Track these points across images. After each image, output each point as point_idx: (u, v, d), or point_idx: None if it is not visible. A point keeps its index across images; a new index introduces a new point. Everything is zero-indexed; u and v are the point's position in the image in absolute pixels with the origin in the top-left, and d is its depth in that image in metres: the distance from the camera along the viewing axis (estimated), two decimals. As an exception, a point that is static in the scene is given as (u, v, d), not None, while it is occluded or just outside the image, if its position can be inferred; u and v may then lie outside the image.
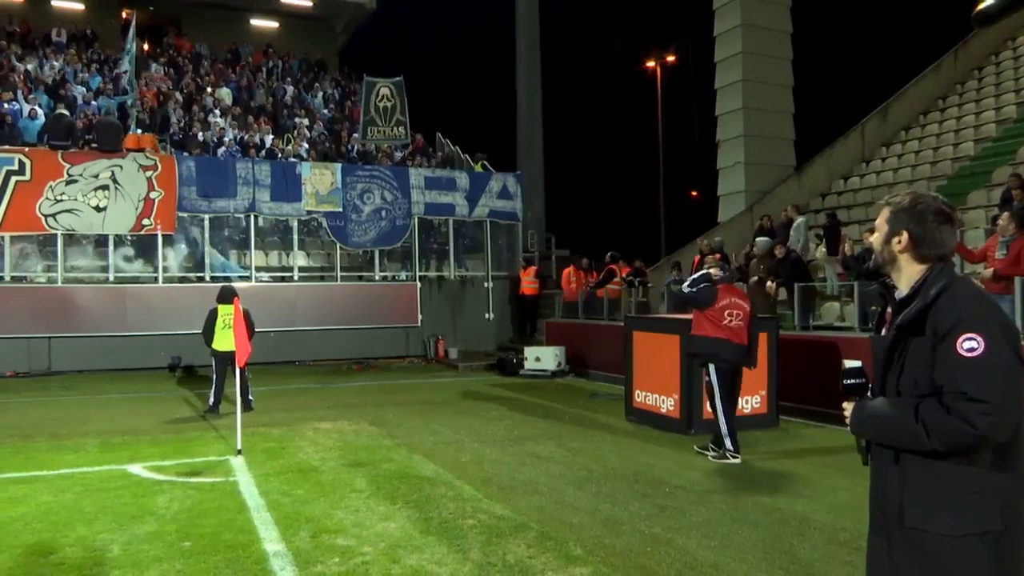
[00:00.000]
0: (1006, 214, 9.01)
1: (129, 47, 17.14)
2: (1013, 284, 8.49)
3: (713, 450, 7.75)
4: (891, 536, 2.28)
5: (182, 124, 18.89)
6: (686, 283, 8.21)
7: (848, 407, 2.42)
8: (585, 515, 5.78)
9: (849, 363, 2.57)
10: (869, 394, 2.45)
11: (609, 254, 17.00)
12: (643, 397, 9.83)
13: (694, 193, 39.00)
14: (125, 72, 17.10)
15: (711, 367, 7.83)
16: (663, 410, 9.44)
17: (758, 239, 13.73)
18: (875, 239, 2.51)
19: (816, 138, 20.57)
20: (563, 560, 4.80)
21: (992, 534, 2.15)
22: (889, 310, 2.49)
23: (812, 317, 11.41)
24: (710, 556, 4.90)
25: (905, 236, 2.40)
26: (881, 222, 2.50)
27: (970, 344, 2.13)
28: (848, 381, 2.48)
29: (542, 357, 15.10)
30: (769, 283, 12.04)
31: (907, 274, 2.42)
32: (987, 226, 11.98)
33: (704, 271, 8.22)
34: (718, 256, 12.81)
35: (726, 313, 7.85)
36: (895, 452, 2.28)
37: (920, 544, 2.20)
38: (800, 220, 14.66)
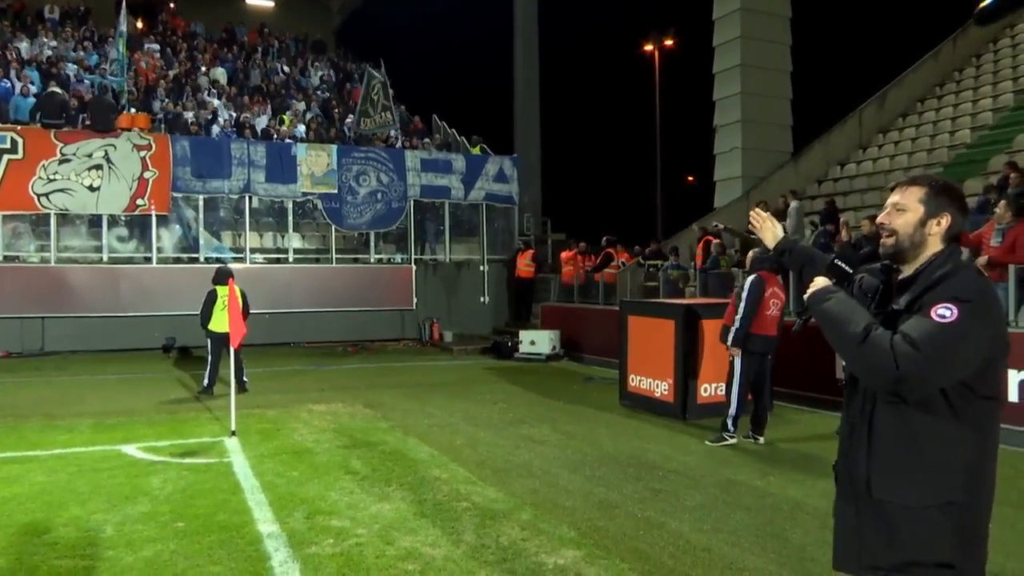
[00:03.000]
0: (1003, 202, 9.01)
1: (120, 30, 16.96)
2: (1008, 272, 8.51)
3: (720, 436, 7.80)
4: (859, 505, 2.34)
5: (176, 104, 18.74)
6: (741, 308, 7.76)
7: (820, 280, 2.43)
8: (579, 498, 5.80)
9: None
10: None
11: (605, 238, 17.00)
12: (637, 381, 9.85)
13: (690, 178, 38.96)
14: (116, 59, 16.89)
15: (740, 356, 7.80)
16: (657, 394, 9.46)
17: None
18: (902, 221, 2.38)
19: (814, 124, 20.53)
20: (556, 543, 4.82)
21: (955, 505, 2.20)
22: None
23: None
24: (703, 540, 4.93)
25: (947, 219, 2.35)
26: (911, 202, 2.38)
27: (943, 311, 2.16)
28: (839, 262, 2.49)
29: (537, 341, 15.12)
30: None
31: (923, 257, 2.37)
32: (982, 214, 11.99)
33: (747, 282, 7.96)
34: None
35: (771, 303, 7.81)
36: (868, 429, 2.31)
37: (885, 514, 2.27)
38: (794, 205, 14.67)
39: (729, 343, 7.82)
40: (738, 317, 7.74)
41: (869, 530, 2.31)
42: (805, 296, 2.44)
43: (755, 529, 5.14)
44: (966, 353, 2.15)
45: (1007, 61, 19.77)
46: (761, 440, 7.79)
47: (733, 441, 7.70)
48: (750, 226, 2.94)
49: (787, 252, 2.84)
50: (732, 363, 7.85)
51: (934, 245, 2.36)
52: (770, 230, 2.89)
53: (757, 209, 3.00)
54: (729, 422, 7.75)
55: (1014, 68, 19.13)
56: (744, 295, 7.79)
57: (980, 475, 2.24)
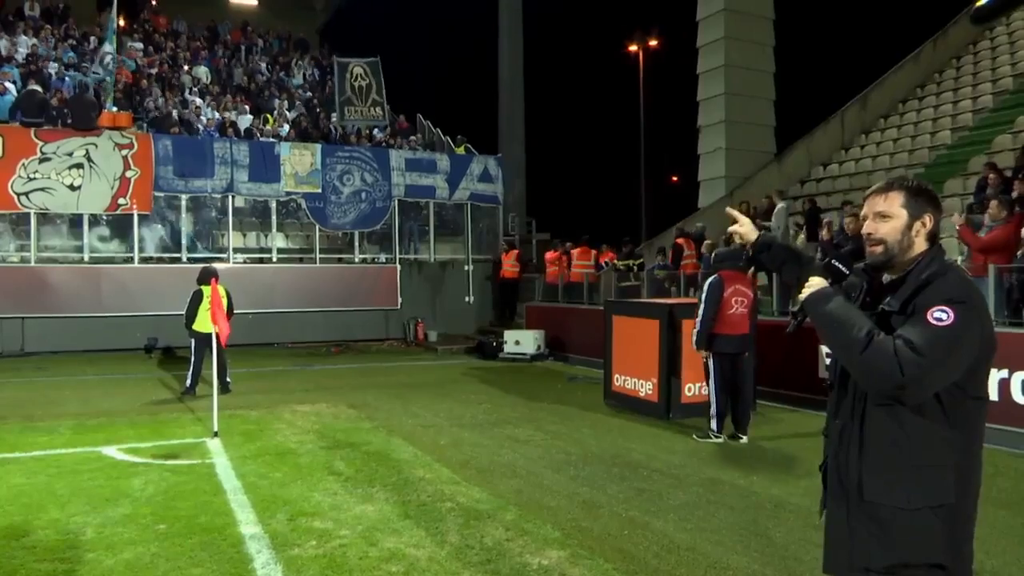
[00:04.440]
0: (994, 202, 9.29)
1: (111, 26, 16.79)
2: (988, 266, 8.67)
3: (706, 434, 7.87)
4: (850, 507, 2.34)
5: (159, 102, 18.58)
6: (700, 310, 7.86)
7: (817, 281, 2.39)
8: (563, 498, 5.80)
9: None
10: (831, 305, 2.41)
11: (583, 239, 17.18)
12: (622, 381, 9.87)
13: (675, 178, 39.10)
14: (107, 54, 16.71)
15: (712, 356, 7.86)
16: (641, 394, 9.48)
17: None
18: (889, 228, 2.36)
19: (796, 125, 20.68)
20: (540, 543, 4.81)
21: (946, 507, 2.21)
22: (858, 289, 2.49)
23: (791, 303, 11.49)
24: (686, 539, 4.94)
25: (929, 219, 2.36)
26: (894, 208, 2.36)
27: (940, 315, 2.16)
28: (836, 262, 2.48)
29: (522, 341, 15.12)
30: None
31: (909, 258, 2.36)
32: (962, 214, 12.11)
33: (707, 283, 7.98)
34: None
35: (734, 301, 7.84)
36: (859, 431, 2.31)
37: (877, 516, 2.27)
38: (781, 206, 14.76)
39: (694, 346, 7.91)
40: (698, 320, 7.84)
41: (861, 532, 2.31)
42: (801, 296, 2.41)
43: (739, 528, 5.16)
44: (962, 355, 2.17)
45: (987, 63, 19.98)
46: (744, 439, 7.82)
47: (719, 440, 7.75)
48: (730, 222, 2.87)
49: (766, 249, 2.75)
50: (706, 364, 7.92)
51: (920, 246, 2.37)
52: (750, 226, 2.82)
53: (731, 209, 2.98)
54: (712, 422, 7.81)
55: (993, 70, 19.34)
56: (703, 297, 7.87)
57: (969, 475, 2.26)
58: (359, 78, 18.93)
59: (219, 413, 8.01)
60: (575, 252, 16.62)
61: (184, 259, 16.26)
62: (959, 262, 8.85)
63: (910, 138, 18.47)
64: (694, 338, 7.92)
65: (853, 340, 2.19)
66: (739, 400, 7.93)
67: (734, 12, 19.84)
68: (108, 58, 16.73)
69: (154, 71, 20.29)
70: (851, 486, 2.33)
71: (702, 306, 7.82)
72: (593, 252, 16.67)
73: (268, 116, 19.79)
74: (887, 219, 2.36)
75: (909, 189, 2.38)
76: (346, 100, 19.03)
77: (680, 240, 15.04)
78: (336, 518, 5.25)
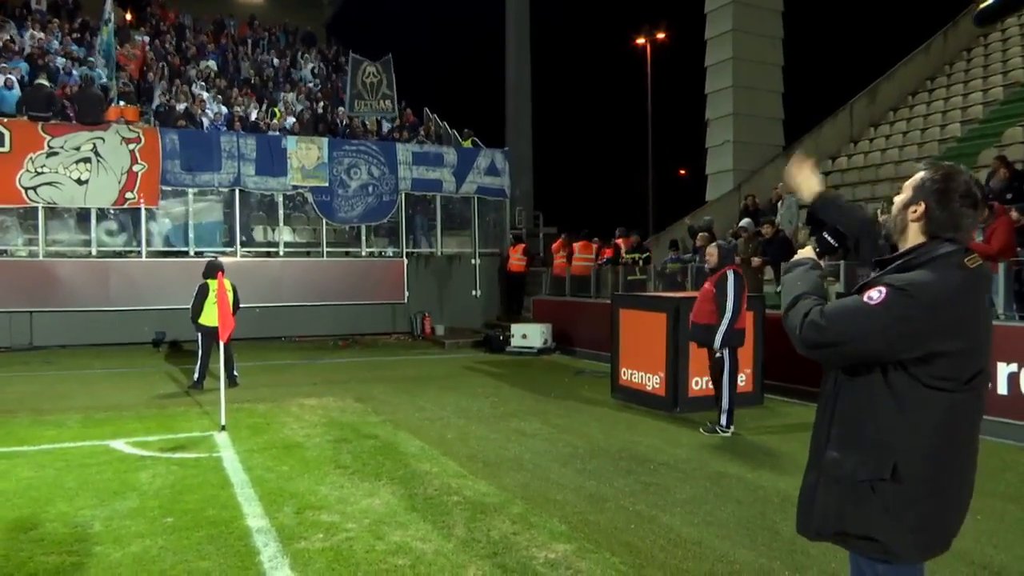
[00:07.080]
0: None
1: (107, 18, 16.79)
2: (997, 264, 8.58)
3: (713, 430, 7.86)
4: (819, 476, 2.47)
5: (166, 96, 18.59)
6: (729, 307, 7.68)
7: (802, 252, 2.61)
8: (570, 492, 5.79)
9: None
10: (823, 263, 2.62)
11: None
12: (629, 375, 9.85)
13: (683, 171, 38.97)
14: (100, 48, 16.76)
15: (727, 350, 7.82)
16: (649, 388, 9.47)
17: (744, 220, 13.86)
18: (896, 199, 2.47)
19: (805, 118, 20.56)
20: (547, 536, 4.81)
21: (885, 483, 2.29)
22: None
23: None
24: (693, 533, 4.93)
25: (922, 208, 2.37)
26: (908, 185, 2.45)
27: (873, 293, 2.26)
28: (827, 235, 2.64)
29: (529, 334, 15.11)
30: (756, 260, 12.13)
31: (907, 244, 2.41)
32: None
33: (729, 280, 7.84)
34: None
35: (745, 296, 7.90)
36: (833, 405, 2.44)
37: (831, 487, 2.41)
38: (790, 199, 14.69)
39: (719, 345, 7.75)
40: (728, 317, 7.65)
41: (819, 499, 2.45)
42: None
43: (745, 522, 5.15)
44: (881, 336, 2.21)
45: (997, 56, 19.81)
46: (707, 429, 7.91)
47: (726, 435, 7.74)
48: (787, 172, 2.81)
49: (827, 207, 2.77)
50: (720, 360, 7.84)
51: (915, 235, 2.40)
52: (809, 181, 2.79)
53: (807, 155, 2.87)
54: (723, 417, 7.79)
55: (1004, 63, 19.18)
56: (730, 292, 7.68)
57: (924, 460, 2.28)
58: (371, 75, 19.03)
59: (226, 407, 8.02)
60: (576, 246, 16.78)
61: (191, 253, 16.30)
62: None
63: (919, 131, 18.34)
64: (720, 336, 7.65)
65: (785, 304, 2.43)
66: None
67: (742, 4, 19.74)
68: (100, 54, 16.76)
69: (161, 65, 20.30)
70: (821, 455, 2.46)
71: (731, 301, 7.62)
72: (594, 246, 16.75)
73: (275, 110, 19.80)
74: (903, 192, 2.48)
75: (924, 172, 2.44)
76: (356, 94, 19.13)
77: (619, 240, 15.62)
78: (343, 511, 5.26)
